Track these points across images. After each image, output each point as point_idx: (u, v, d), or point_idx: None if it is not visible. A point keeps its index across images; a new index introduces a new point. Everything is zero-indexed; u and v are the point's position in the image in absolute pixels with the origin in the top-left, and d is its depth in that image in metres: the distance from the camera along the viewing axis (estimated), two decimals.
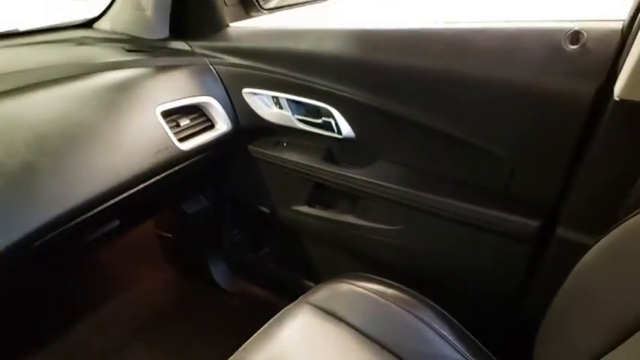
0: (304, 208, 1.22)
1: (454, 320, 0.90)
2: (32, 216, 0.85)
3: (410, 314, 0.89)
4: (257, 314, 1.48)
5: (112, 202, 0.97)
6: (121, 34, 1.28)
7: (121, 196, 0.99)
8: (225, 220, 1.55)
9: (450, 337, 0.85)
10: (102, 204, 0.95)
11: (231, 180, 1.39)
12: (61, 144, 0.93)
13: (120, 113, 1.02)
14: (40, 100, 0.96)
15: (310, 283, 1.41)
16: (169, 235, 1.62)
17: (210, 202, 1.49)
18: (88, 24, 1.39)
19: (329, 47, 0.97)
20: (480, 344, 0.87)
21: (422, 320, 0.88)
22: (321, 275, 1.37)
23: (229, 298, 1.59)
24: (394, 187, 1.01)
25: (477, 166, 0.92)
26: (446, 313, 0.91)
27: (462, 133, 0.88)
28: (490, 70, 0.80)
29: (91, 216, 0.95)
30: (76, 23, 1.40)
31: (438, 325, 0.88)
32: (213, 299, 1.59)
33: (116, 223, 1.10)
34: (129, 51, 1.17)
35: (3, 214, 0.82)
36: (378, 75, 0.92)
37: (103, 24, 1.35)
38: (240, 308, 1.56)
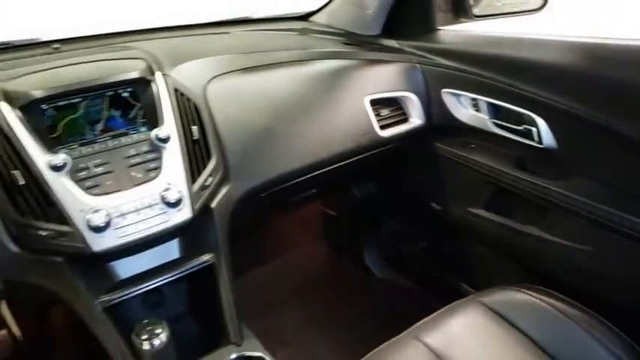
0: (481, 211, 1.25)
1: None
2: (265, 170, 1.03)
3: (587, 334, 0.88)
4: (401, 302, 1.57)
5: (319, 171, 1.12)
6: (337, 28, 1.44)
7: (327, 168, 1.13)
8: (387, 209, 1.65)
9: None
10: (312, 171, 1.11)
11: (408, 172, 1.47)
12: (289, 115, 1.10)
13: (334, 97, 1.16)
14: (276, 77, 1.14)
15: (465, 286, 1.44)
16: (333, 214, 1.76)
17: (378, 190, 1.60)
18: (305, 17, 1.58)
19: (548, 57, 1.00)
20: None
21: (601, 343, 0.86)
22: (481, 280, 1.39)
23: (377, 282, 1.68)
24: (591, 203, 0.99)
25: None
26: (631, 342, 0.88)
27: None
28: None
29: (301, 180, 1.11)
30: (294, 15, 1.61)
31: (621, 351, 0.85)
32: (362, 279, 1.70)
33: (313, 191, 1.25)
34: (345, 44, 1.32)
35: (247, 164, 1.00)
36: (600, 88, 0.92)
37: (320, 18, 1.52)
38: (386, 293, 1.64)
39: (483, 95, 1.14)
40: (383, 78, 1.23)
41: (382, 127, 1.20)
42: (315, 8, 1.58)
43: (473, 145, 1.25)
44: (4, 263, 0.75)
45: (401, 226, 1.63)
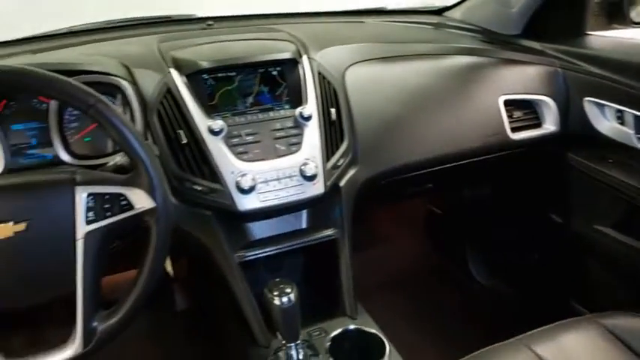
0: (608, 230, 1.18)
1: None
2: (391, 158, 1.06)
3: None
4: (501, 311, 1.52)
5: (442, 166, 1.12)
6: (472, 24, 1.41)
7: (450, 164, 1.13)
8: (499, 215, 1.60)
9: None
10: (436, 165, 1.11)
11: (529, 179, 1.42)
12: (421, 107, 1.11)
13: (468, 93, 1.15)
14: (411, 68, 1.16)
15: (577, 305, 1.36)
16: (439, 212, 1.75)
17: (492, 194, 1.56)
18: (439, 11, 1.58)
19: None
20: None
21: None
22: (597, 300, 1.31)
23: (478, 287, 1.64)
24: None
25: None
26: None
27: None
28: None
29: (423, 173, 1.12)
30: (428, 9, 1.61)
31: None
32: (461, 282, 1.67)
33: (429, 185, 1.26)
34: (482, 41, 1.29)
35: (375, 151, 1.04)
36: None
37: (454, 13, 1.51)
38: (486, 300, 1.59)
39: (632, 108, 1.07)
40: (520, 79, 1.19)
41: (513, 130, 1.17)
42: (449, 4, 1.57)
43: (611, 160, 1.17)
44: None
45: (512, 235, 1.58)
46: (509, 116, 1.18)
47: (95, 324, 0.66)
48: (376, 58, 1.13)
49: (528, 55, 1.24)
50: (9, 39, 1.29)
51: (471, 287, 1.64)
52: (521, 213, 1.51)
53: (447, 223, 1.73)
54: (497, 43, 1.29)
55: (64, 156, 0.86)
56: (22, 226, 0.63)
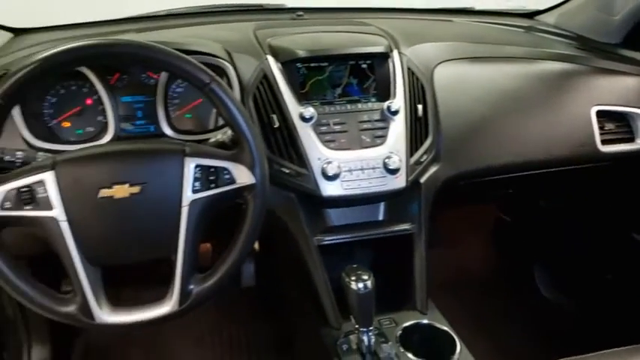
0: None
1: None
2: (475, 159, 1.05)
3: None
4: (566, 328, 1.46)
5: (527, 172, 1.10)
6: (567, 30, 1.37)
7: (535, 171, 1.10)
8: (573, 229, 1.54)
9: None
10: (520, 171, 1.10)
11: (612, 194, 1.36)
12: (509, 110, 1.09)
13: (559, 100, 1.12)
14: (501, 71, 1.14)
15: None
16: (508, 220, 1.71)
17: (568, 206, 1.50)
18: (530, 15, 1.53)
19: None
20: None
21: None
22: None
23: (542, 301, 1.59)
24: None
25: None
26: None
27: None
28: None
29: (506, 177, 1.10)
30: (519, 12, 1.57)
31: None
32: (524, 293, 1.62)
33: (509, 191, 1.23)
34: (577, 48, 1.25)
35: (459, 150, 1.03)
36: None
37: (547, 18, 1.46)
38: (550, 315, 1.54)
39: None
40: (616, 90, 1.15)
41: (603, 142, 1.12)
42: (542, 7, 1.52)
43: None
44: None
45: (585, 251, 1.52)
46: (601, 128, 1.13)
47: (191, 286, 0.72)
48: (466, 58, 1.13)
49: (629, 65, 1.19)
50: (114, 18, 1.40)
51: (535, 299, 1.60)
52: (599, 229, 1.45)
53: (515, 232, 1.69)
54: (594, 51, 1.24)
55: (167, 130, 0.92)
56: (137, 189, 0.69)
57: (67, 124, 0.92)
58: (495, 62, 1.15)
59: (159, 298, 0.73)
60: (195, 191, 0.71)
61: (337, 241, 0.95)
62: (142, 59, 0.71)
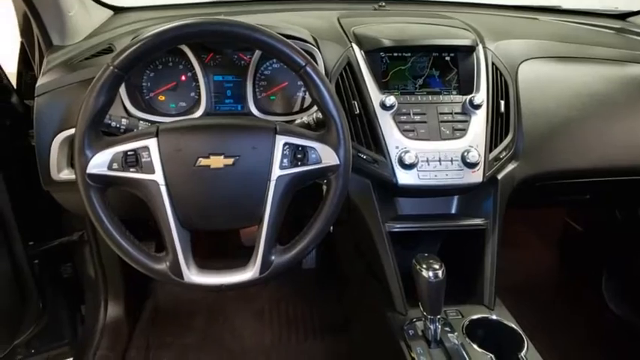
0: None
1: None
2: (554, 161, 1.03)
3: None
4: (633, 346, 1.39)
5: (606, 178, 1.07)
6: None
7: (615, 177, 1.07)
8: None
9: None
10: (600, 176, 1.06)
11: None
12: (593, 113, 1.06)
13: None
14: (588, 72, 1.11)
15: None
16: (579, 229, 1.65)
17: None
18: (622, 16, 1.46)
19: None
20: None
21: None
22: None
23: (609, 316, 1.52)
24: None
25: None
26: None
27: None
28: None
29: (583, 182, 1.07)
30: (609, 12, 1.50)
31: None
32: (591, 307, 1.56)
33: (586, 197, 1.19)
34: None
35: (538, 150, 1.02)
36: None
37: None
38: (618, 332, 1.48)
39: None
40: None
41: None
42: (636, 9, 1.45)
43: None
44: None
45: None
46: None
47: (272, 257, 0.76)
48: (552, 57, 1.10)
49: None
50: (204, 1, 1.47)
51: (601, 313, 1.53)
52: None
53: (586, 241, 1.63)
54: None
55: (253, 109, 0.97)
56: (230, 161, 0.73)
57: (162, 98, 0.99)
58: (583, 63, 1.11)
59: (239, 266, 0.78)
60: (282, 167, 0.75)
61: (408, 229, 0.96)
62: (247, 39, 0.75)
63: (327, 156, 0.75)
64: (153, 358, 1.39)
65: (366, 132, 0.94)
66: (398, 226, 0.96)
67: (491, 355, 0.80)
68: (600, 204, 1.43)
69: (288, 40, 0.75)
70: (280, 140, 0.75)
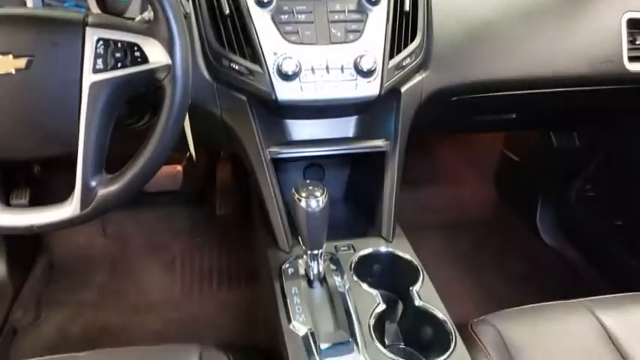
0: None
1: None
2: (470, 70, 0.88)
3: None
4: (566, 276, 1.34)
5: (532, 91, 0.93)
6: None
7: (542, 90, 0.93)
8: (585, 170, 1.37)
9: None
10: (524, 89, 0.92)
11: (635, 128, 1.17)
12: (518, 16, 0.91)
13: (582, 4, 0.92)
14: None
15: None
16: (515, 159, 1.54)
17: (582, 143, 1.33)
18: None
19: None
20: None
21: None
22: None
23: (542, 247, 1.46)
24: None
25: None
26: None
27: None
28: None
29: (506, 95, 0.93)
30: None
31: None
32: (525, 239, 1.49)
33: (512, 116, 1.06)
34: None
35: (452, 57, 0.86)
36: None
37: None
38: (551, 262, 1.42)
39: None
40: None
41: (631, 59, 0.93)
42: None
43: None
44: (196, 88, 0.76)
45: (596, 194, 1.35)
46: (631, 42, 0.94)
47: (95, 188, 0.59)
48: None
49: None
50: None
51: (534, 244, 1.46)
52: (614, 169, 1.28)
53: (520, 171, 1.52)
54: None
55: (95, 9, 0.77)
56: (22, 62, 0.55)
57: None
58: None
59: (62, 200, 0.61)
60: (96, 71, 0.57)
61: (295, 154, 0.81)
62: None
63: (155, 54, 0.57)
64: (44, 318, 1.23)
65: (239, 36, 0.76)
66: (284, 151, 0.80)
67: (377, 291, 0.67)
68: (530, 126, 1.31)
69: None
70: (92, 34, 0.56)
